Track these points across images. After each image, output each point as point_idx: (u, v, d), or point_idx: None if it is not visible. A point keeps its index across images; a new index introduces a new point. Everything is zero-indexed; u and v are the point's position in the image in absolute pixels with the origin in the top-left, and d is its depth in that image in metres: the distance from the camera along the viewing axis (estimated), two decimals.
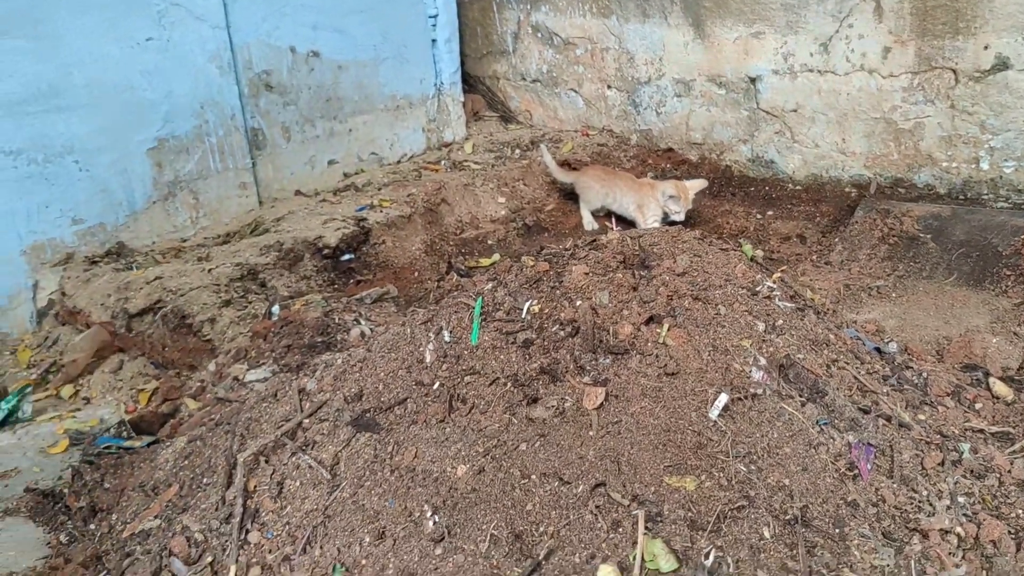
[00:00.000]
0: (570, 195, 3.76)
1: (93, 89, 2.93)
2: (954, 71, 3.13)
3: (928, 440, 1.68)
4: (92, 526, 1.90)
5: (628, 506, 1.41)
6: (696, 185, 3.37)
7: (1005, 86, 3.03)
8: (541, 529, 1.42)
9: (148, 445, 2.17)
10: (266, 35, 3.45)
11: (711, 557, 1.33)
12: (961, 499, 1.55)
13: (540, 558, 1.37)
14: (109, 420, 2.38)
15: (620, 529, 1.38)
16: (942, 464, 1.62)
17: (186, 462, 1.90)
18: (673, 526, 1.37)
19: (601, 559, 1.35)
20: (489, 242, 3.49)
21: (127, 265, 3.00)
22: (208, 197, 3.35)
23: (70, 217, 2.97)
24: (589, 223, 3.56)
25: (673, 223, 3.26)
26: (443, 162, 4.12)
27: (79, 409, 2.49)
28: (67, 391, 2.59)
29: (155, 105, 3.12)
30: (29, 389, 2.56)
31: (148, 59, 3.06)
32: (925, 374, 1.97)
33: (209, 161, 3.33)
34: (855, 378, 1.80)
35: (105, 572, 1.69)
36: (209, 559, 1.59)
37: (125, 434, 2.26)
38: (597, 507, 1.41)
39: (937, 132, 3.25)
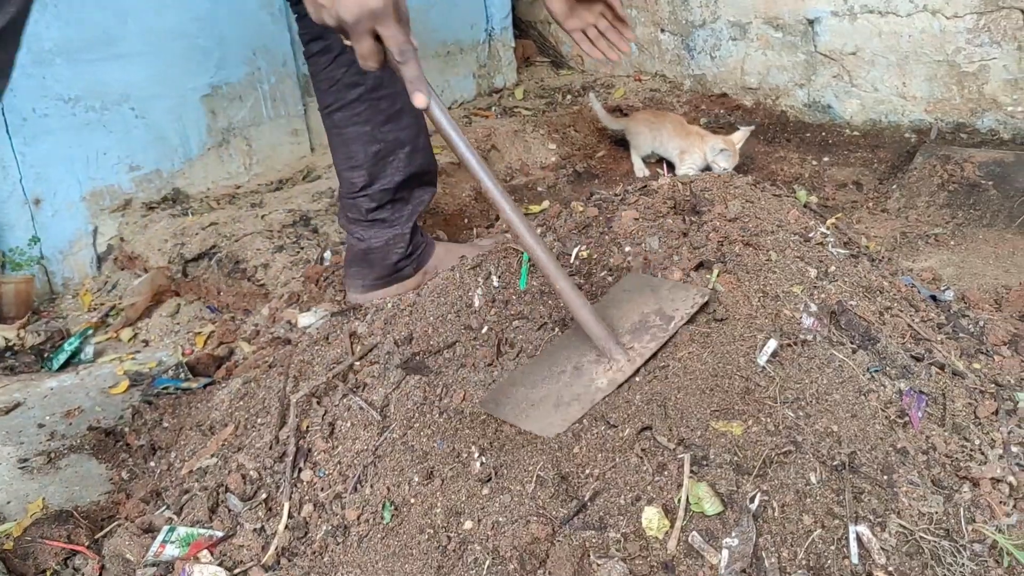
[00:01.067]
0: (621, 142, 3.72)
1: (148, 36, 2.96)
2: (1022, 11, 3.02)
3: (982, 389, 1.65)
4: (152, 463, 1.95)
5: (674, 450, 1.41)
6: (740, 137, 3.27)
7: None
8: (587, 471, 1.43)
9: (204, 386, 2.23)
10: None
11: (756, 501, 1.33)
12: (1015, 448, 1.53)
13: (586, 499, 1.38)
14: (167, 362, 2.44)
15: (665, 472, 1.38)
16: (996, 413, 1.59)
17: (241, 403, 1.95)
18: (719, 470, 1.37)
19: (646, 501, 1.36)
20: (539, 189, 3.48)
21: (183, 211, 3.05)
22: (261, 144, 3.38)
23: (127, 163, 3.02)
24: (640, 169, 3.52)
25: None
26: (493, 108, 4.10)
27: (138, 351, 2.56)
28: (126, 334, 2.66)
29: (208, 52, 3.14)
30: (90, 331, 2.64)
31: (201, 6, 3.08)
32: (982, 323, 1.93)
33: (262, 108, 3.36)
34: (909, 326, 1.77)
35: (165, 507, 1.74)
36: (264, 496, 1.63)
37: (183, 376, 2.32)
38: (643, 450, 1.42)
39: (1003, 75, 3.15)
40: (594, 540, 1.33)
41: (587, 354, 1.60)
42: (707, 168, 3.25)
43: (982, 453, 1.50)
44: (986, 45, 3.14)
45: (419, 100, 1.51)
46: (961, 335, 1.86)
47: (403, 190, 2.22)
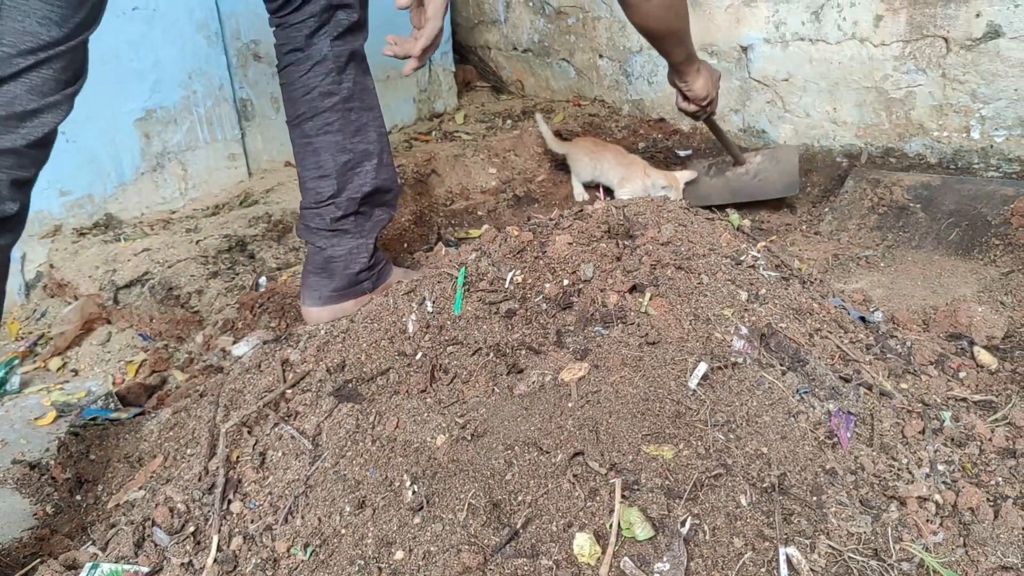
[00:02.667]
0: (561, 166, 3.74)
1: None
2: (946, 39, 3.11)
3: (909, 408, 1.68)
4: (78, 497, 1.90)
5: (606, 475, 1.41)
6: (685, 176, 3.31)
7: (996, 54, 3.01)
8: (519, 498, 1.42)
9: (134, 417, 2.18)
10: (254, 4, 3.41)
11: (687, 525, 1.34)
12: (941, 467, 1.56)
13: (518, 527, 1.37)
14: (97, 392, 2.38)
15: (597, 498, 1.38)
16: (923, 432, 1.62)
17: (171, 433, 1.91)
18: (650, 494, 1.37)
19: (578, 527, 1.35)
20: (479, 213, 3.48)
21: (115, 237, 2.99)
22: (197, 168, 3.34)
23: (57, 188, 2.95)
24: (579, 194, 3.54)
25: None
26: (434, 133, 4.10)
27: (67, 381, 2.49)
28: (55, 363, 2.59)
29: (142, 75, 3.09)
30: (17, 361, 2.56)
31: (134, 29, 3.03)
32: (909, 343, 1.97)
33: (198, 132, 3.31)
34: (838, 347, 1.80)
35: (90, 542, 1.69)
36: (192, 529, 1.59)
37: (112, 406, 2.27)
38: (575, 476, 1.42)
39: (928, 101, 3.23)
40: (526, 568, 1.32)
41: None
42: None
43: (909, 472, 1.52)
44: (912, 72, 3.22)
45: None
46: (889, 356, 1.89)
47: (366, 204, 2.26)
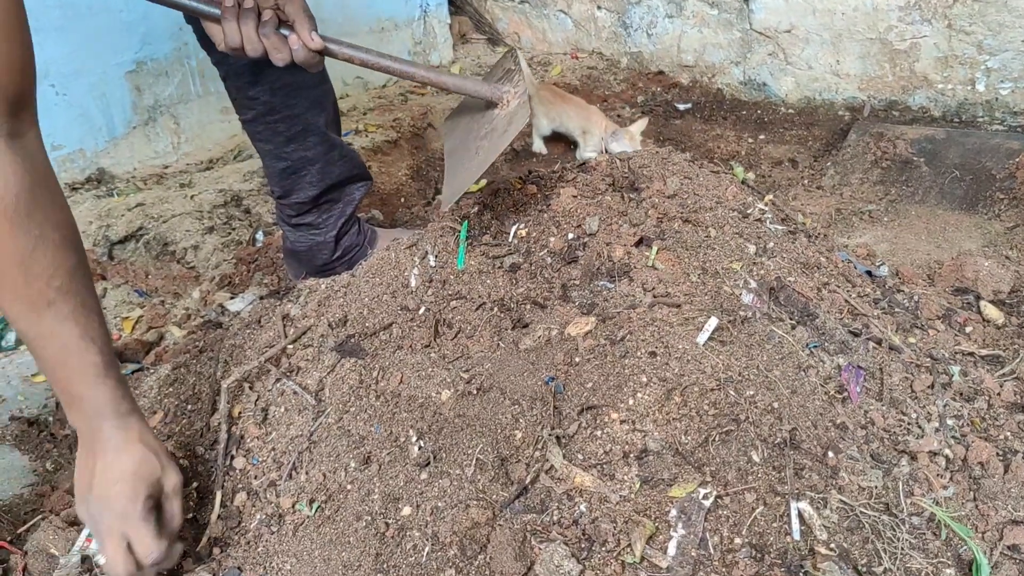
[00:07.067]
0: None
1: (67, 10, 2.83)
2: None
3: (918, 363, 1.67)
4: (77, 454, 1.88)
5: (614, 429, 1.39)
6: (640, 127, 3.12)
7: (1004, 4, 2.96)
8: (528, 453, 1.40)
9: (132, 373, 2.15)
10: None
11: (710, 499, 1.32)
12: (950, 422, 1.55)
13: (527, 482, 1.36)
14: None
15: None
16: (932, 387, 1.61)
17: (170, 389, 1.88)
18: (661, 450, 1.35)
19: None
20: None
21: (108, 192, 2.94)
22: (190, 122, 3.28)
23: (48, 143, 2.83)
24: (538, 148, 3.46)
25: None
26: (429, 86, 4.03)
27: None
28: None
29: (132, 27, 3.02)
30: None
31: None
32: (916, 297, 1.95)
33: (190, 85, 3.25)
34: (846, 301, 1.78)
35: None
36: (195, 485, 1.58)
37: None
38: (583, 430, 1.40)
39: (933, 53, 3.18)
40: (535, 523, 1.31)
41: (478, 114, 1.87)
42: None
43: (919, 427, 1.51)
44: (917, 23, 3.17)
45: (315, 41, 1.63)
46: (896, 310, 1.88)
47: (324, 198, 2.19)
